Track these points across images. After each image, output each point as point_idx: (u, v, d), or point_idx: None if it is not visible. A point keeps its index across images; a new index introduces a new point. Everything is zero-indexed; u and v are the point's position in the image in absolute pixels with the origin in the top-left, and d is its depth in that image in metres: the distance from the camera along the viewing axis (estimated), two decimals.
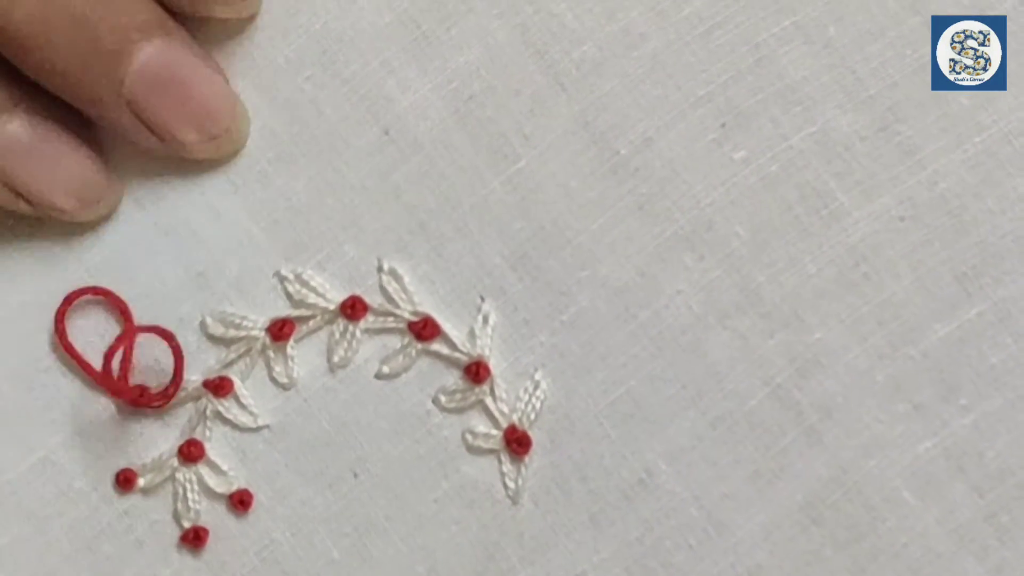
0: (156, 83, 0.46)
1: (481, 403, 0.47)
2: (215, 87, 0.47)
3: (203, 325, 0.48)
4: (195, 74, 0.47)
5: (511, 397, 0.47)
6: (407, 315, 0.48)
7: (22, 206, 0.47)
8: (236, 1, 0.48)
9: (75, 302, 0.48)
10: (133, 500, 0.48)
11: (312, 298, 0.48)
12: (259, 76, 0.49)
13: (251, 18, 0.49)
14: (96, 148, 0.48)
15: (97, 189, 0.48)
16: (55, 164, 0.47)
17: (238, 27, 0.49)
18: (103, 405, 0.48)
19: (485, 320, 0.47)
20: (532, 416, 0.47)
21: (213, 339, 0.48)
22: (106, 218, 0.49)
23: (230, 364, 0.48)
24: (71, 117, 0.47)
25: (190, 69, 0.47)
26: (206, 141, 0.47)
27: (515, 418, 0.47)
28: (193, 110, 0.47)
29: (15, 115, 0.46)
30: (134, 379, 0.48)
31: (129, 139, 0.47)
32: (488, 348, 0.47)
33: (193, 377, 0.48)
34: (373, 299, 0.48)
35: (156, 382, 0.48)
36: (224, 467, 0.48)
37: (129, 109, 0.46)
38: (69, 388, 0.48)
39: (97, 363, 0.47)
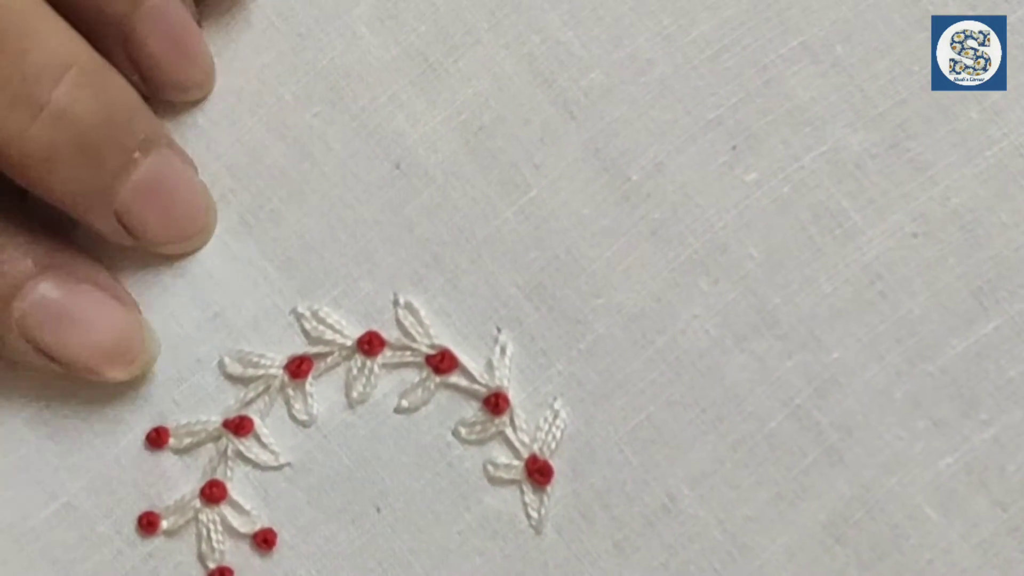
0: (147, 195, 0.46)
1: (501, 434, 0.47)
2: (196, 190, 0.48)
3: (221, 365, 0.48)
4: (181, 181, 0.47)
5: (531, 427, 0.47)
6: (424, 348, 0.48)
7: (55, 367, 0.47)
8: (192, 90, 0.48)
9: None
10: (157, 543, 0.48)
11: (329, 335, 0.48)
12: (267, 113, 0.49)
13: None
14: (131, 304, 0.48)
15: (131, 348, 0.47)
16: (86, 328, 0.46)
17: (245, 62, 0.49)
18: (123, 448, 0.48)
19: (503, 351, 0.48)
20: (553, 445, 0.47)
21: (232, 379, 0.48)
22: (144, 376, 0.49)
23: (249, 403, 0.48)
24: (106, 277, 0.48)
25: (177, 178, 0.47)
26: (180, 241, 0.48)
27: (536, 448, 0.47)
28: (176, 215, 0.47)
29: (42, 279, 0.46)
30: (155, 420, 0.48)
31: (101, 237, 0.47)
32: (506, 379, 0.47)
33: (213, 417, 0.48)
34: (390, 333, 0.48)
35: (176, 423, 0.48)
36: (247, 506, 0.48)
37: (115, 217, 0.46)
38: (90, 433, 0.48)
39: None
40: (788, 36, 0.47)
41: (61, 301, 0.46)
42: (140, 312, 0.48)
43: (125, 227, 0.46)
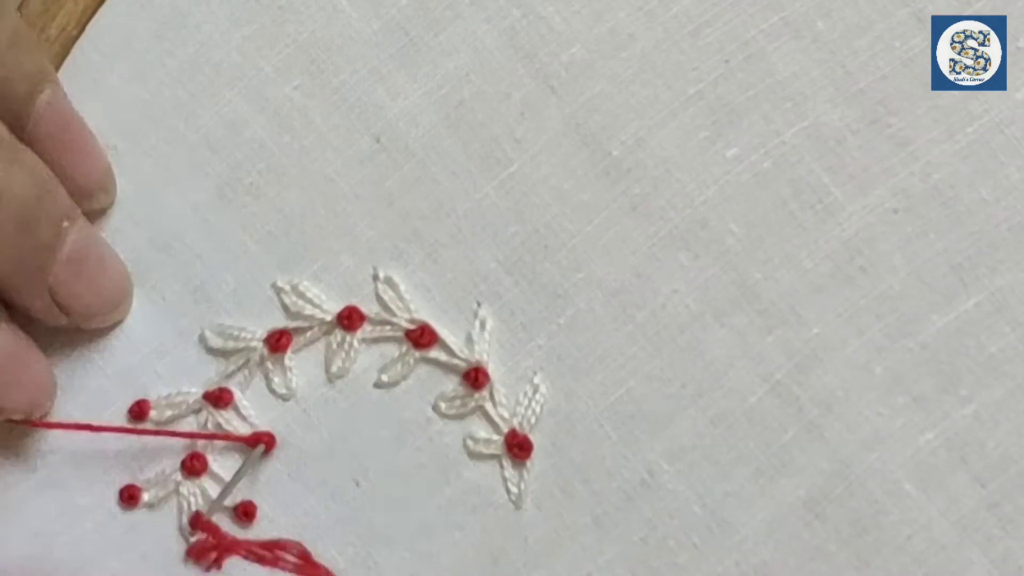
0: (78, 267, 0.46)
1: (481, 408, 0.47)
2: (116, 258, 0.48)
3: (202, 338, 0.48)
4: (104, 250, 0.48)
5: (511, 402, 0.47)
6: (404, 323, 0.48)
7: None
8: (102, 198, 0.48)
9: None
10: (138, 515, 0.48)
11: (309, 309, 0.48)
12: (247, 86, 0.49)
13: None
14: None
15: (49, 395, 0.48)
16: (19, 378, 0.47)
17: (225, 35, 0.49)
18: (105, 420, 0.48)
19: (482, 325, 0.48)
20: (532, 420, 0.47)
21: (212, 351, 0.48)
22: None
23: (229, 376, 0.48)
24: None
25: (100, 246, 0.48)
26: (107, 313, 0.48)
27: (515, 422, 0.47)
28: (105, 285, 0.48)
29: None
30: (137, 393, 0.49)
31: (32, 315, 0.47)
32: (486, 353, 0.47)
33: (193, 389, 0.48)
34: (370, 308, 0.48)
35: (158, 394, 0.48)
36: (227, 479, 0.48)
37: (48, 293, 0.46)
38: (70, 405, 0.48)
39: None
40: (769, 11, 0.47)
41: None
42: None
43: (58, 303, 0.46)
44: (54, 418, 0.48)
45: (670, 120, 0.47)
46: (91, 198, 0.48)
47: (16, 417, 0.47)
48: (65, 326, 0.47)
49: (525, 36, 0.48)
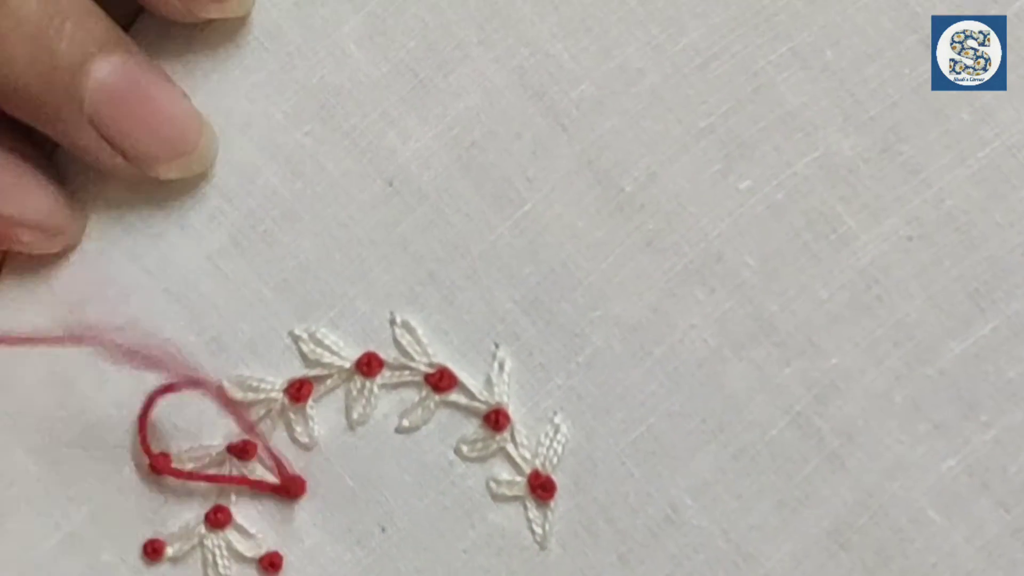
0: (119, 99, 0.45)
1: (503, 450, 0.48)
2: (180, 104, 0.47)
3: (220, 390, 0.48)
4: (159, 91, 0.46)
5: (532, 442, 0.47)
6: (423, 367, 0.48)
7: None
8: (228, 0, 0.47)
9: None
10: (163, 569, 0.48)
11: (327, 357, 0.48)
12: (258, 133, 0.48)
13: (244, 18, 0.49)
14: (58, 179, 0.48)
15: (59, 220, 0.47)
16: (14, 197, 0.46)
17: (235, 82, 0.48)
18: (126, 476, 0.48)
19: (501, 367, 0.47)
20: (555, 460, 0.47)
21: (232, 404, 0.48)
22: (70, 248, 0.49)
23: (251, 428, 0.48)
24: (31, 151, 0.47)
25: (154, 86, 0.46)
26: (174, 159, 0.47)
27: (538, 463, 0.47)
28: (159, 126, 0.46)
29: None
30: (157, 445, 0.48)
31: (93, 163, 0.47)
32: (506, 395, 0.47)
33: (215, 442, 0.48)
34: (388, 353, 0.48)
35: (179, 448, 0.48)
36: (252, 530, 0.48)
37: (92, 127, 0.45)
38: (91, 461, 0.48)
39: None
40: (777, 42, 0.47)
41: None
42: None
43: (104, 137, 0.45)
44: (73, 475, 0.48)
45: (682, 154, 0.47)
46: (223, 3, 0.47)
47: (27, 242, 0.47)
48: (132, 175, 0.47)
49: (534, 75, 0.48)
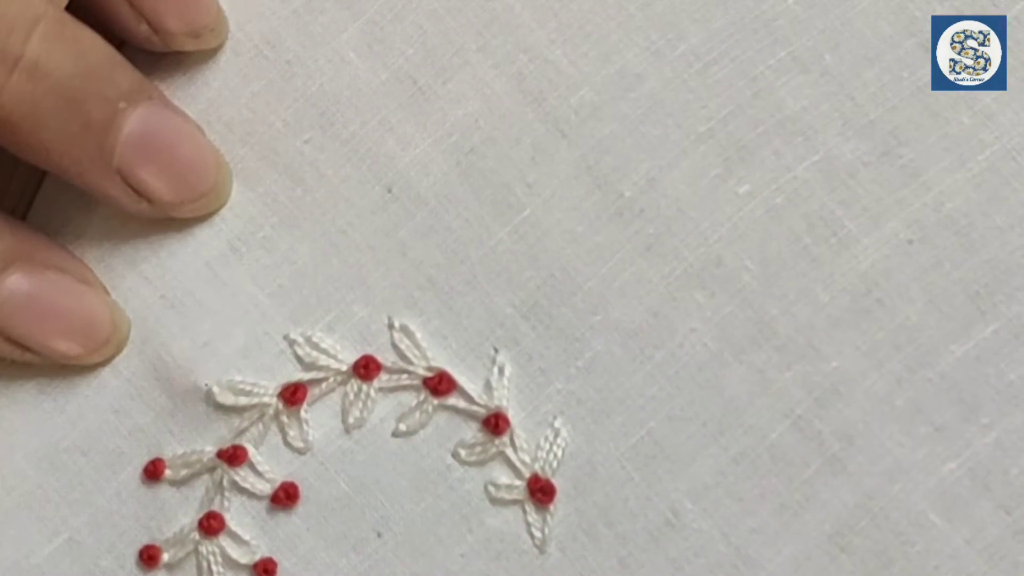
0: (145, 148, 0.46)
1: (502, 454, 0.47)
2: (200, 145, 0.48)
3: (209, 395, 0.48)
4: (180, 134, 0.47)
5: (532, 446, 0.47)
6: (421, 371, 0.47)
7: (28, 357, 0.47)
8: (205, 35, 0.48)
9: None
10: None
11: (323, 360, 0.48)
12: (258, 141, 0.48)
13: (218, 48, 0.49)
14: (97, 285, 0.48)
15: (103, 331, 0.48)
16: (56, 314, 0.47)
17: (235, 91, 0.49)
18: (122, 482, 0.48)
19: (500, 371, 0.47)
20: (554, 464, 0.47)
21: (223, 408, 0.48)
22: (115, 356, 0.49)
23: (243, 432, 0.48)
24: (72, 260, 0.48)
25: (175, 130, 0.47)
26: (195, 200, 0.47)
27: (537, 467, 0.47)
28: (181, 170, 0.47)
29: (12, 270, 0.46)
30: (151, 452, 0.48)
31: (116, 205, 0.47)
32: (505, 399, 0.47)
33: (207, 447, 0.48)
34: (386, 357, 0.48)
35: (173, 453, 0.48)
36: (246, 537, 0.48)
37: (119, 177, 0.46)
38: (89, 467, 0.48)
39: None
40: (776, 47, 0.47)
41: (30, 293, 0.46)
42: (107, 292, 0.48)
43: (132, 187, 0.46)
44: (72, 481, 0.48)
45: (681, 159, 0.47)
46: (198, 38, 0.48)
47: (71, 355, 0.47)
48: (155, 215, 0.47)
49: (533, 81, 0.48)
